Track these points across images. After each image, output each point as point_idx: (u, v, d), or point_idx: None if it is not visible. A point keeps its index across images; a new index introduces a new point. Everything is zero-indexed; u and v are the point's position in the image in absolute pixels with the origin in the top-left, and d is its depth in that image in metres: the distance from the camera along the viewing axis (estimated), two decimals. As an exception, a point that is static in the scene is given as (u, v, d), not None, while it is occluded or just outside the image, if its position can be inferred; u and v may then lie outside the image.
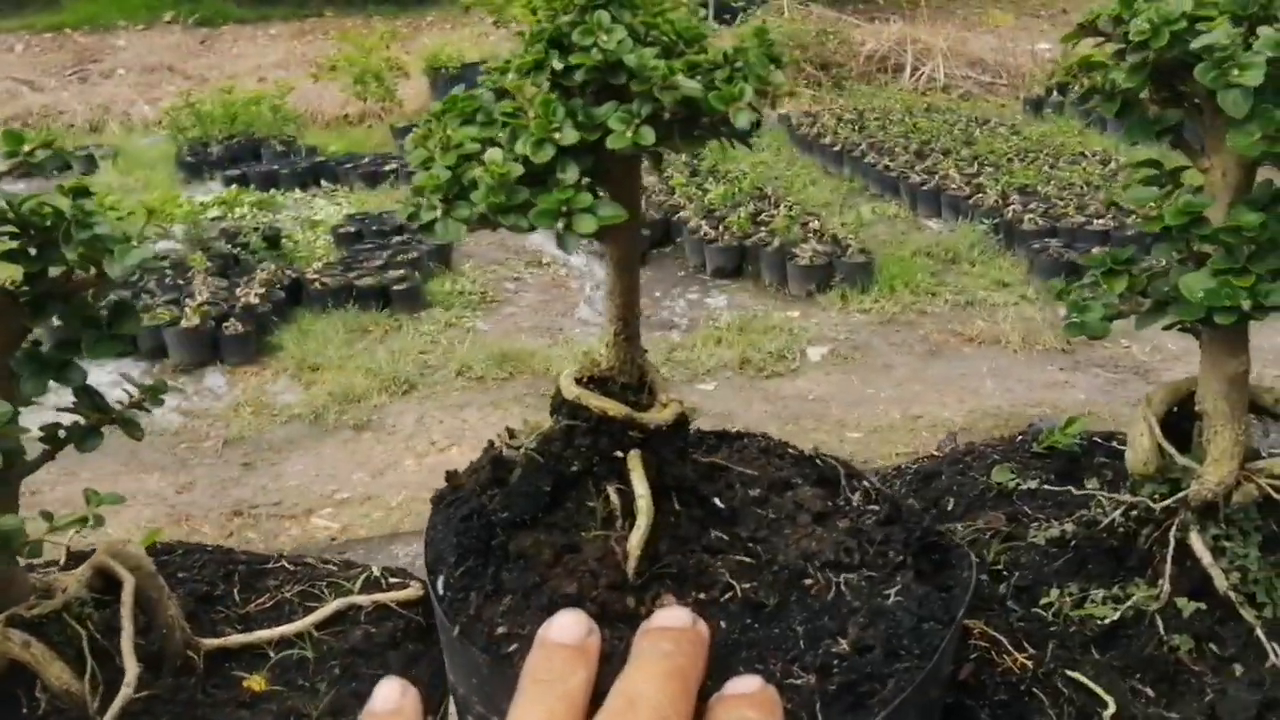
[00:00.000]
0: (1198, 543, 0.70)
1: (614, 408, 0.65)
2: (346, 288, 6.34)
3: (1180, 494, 0.71)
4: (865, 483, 0.72)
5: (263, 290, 6.18)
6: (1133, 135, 0.71)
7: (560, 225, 0.59)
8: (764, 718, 0.58)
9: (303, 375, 5.80)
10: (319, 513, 4.72)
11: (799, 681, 0.58)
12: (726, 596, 0.62)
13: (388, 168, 8.33)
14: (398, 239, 6.95)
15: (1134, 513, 0.73)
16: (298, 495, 5.01)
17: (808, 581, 0.64)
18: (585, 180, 0.61)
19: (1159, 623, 0.70)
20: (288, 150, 8.66)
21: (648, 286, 6.92)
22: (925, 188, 7.58)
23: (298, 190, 8.02)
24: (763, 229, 6.81)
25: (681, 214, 7.12)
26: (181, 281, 6.24)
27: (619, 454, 0.64)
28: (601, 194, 0.62)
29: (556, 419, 0.68)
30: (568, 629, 0.60)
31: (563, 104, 0.61)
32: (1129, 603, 0.70)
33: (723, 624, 0.61)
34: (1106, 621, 0.69)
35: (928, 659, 0.59)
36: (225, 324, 5.85)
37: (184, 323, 5.77)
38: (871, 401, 5.81)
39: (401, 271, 6.45)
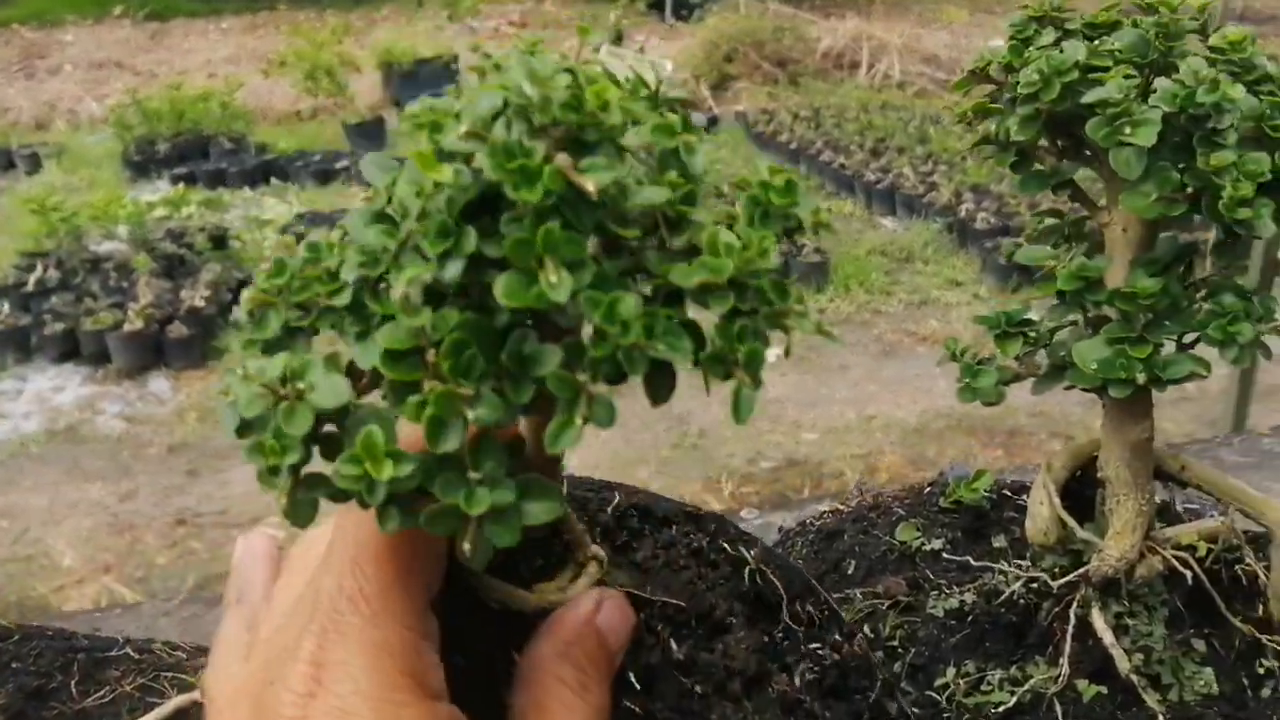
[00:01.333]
0: (1099, 621, 0.67)
1: (515, 598, 0.52)
2: (295, 289, 6.23)
3: (1081, 569, 0.67)
4: (810, 608, 0.61)
5: (208, 292, 6.06)
6: (1027, 189, 0.67)
7: (467, 545, 0.39)
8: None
9: (250, 380, 5.69)
10: (265, 521, 4.63)
11: None
12: None
13: (339, 165, 8.20)
14: (348, 239, 6.84)
15: (1034, 585, 0.70)
16: (244, 503, 4.92)
17: None
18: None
19: (1057, 707, 0.66)
20: (237, 148, 8.50)
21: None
22: (880, 186, 7.58)
23: (247, 189, 7.88)
24: (718, 229, 6.77)
25: (636, 213, 7.06)
26: (125, 284, 6.09)
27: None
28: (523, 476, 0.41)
29: None
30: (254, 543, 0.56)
31: (477, 340, 0.39)
32: (1026, 685, 0.66)
33: None
34: (1002, 709, 0.66)
35: None
36: (169, 327, 5.72)
37: (127, 326, 5.64)
38: (827, 402, 5.81)
39: (352, 273, 6.34)
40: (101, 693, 0.72)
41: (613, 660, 0.52)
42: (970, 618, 0.72)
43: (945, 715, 0.67)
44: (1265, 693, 0.67)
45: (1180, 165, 0.58)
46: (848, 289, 6.64)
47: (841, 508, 0.89)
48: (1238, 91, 0.56)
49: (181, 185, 7.63)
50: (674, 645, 0.57)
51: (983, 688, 0.67)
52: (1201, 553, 0.69)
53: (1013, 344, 0.66)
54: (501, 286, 0.38)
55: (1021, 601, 0.71)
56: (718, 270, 0.40)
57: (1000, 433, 5.47)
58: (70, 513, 4.71)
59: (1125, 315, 0.61)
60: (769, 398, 5.76)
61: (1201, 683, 0.66)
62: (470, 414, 0.38)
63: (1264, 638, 0.68)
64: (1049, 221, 0.72)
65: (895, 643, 0.72)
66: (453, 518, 0.39)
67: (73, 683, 0.73)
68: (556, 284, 0.38)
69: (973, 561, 0.73)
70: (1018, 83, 0.62)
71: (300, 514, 0.42)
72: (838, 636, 0.61)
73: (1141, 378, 0.60)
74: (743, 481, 4.82)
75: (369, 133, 8.82)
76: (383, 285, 0.42)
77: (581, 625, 0.51)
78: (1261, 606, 0.69)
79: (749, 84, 10.33)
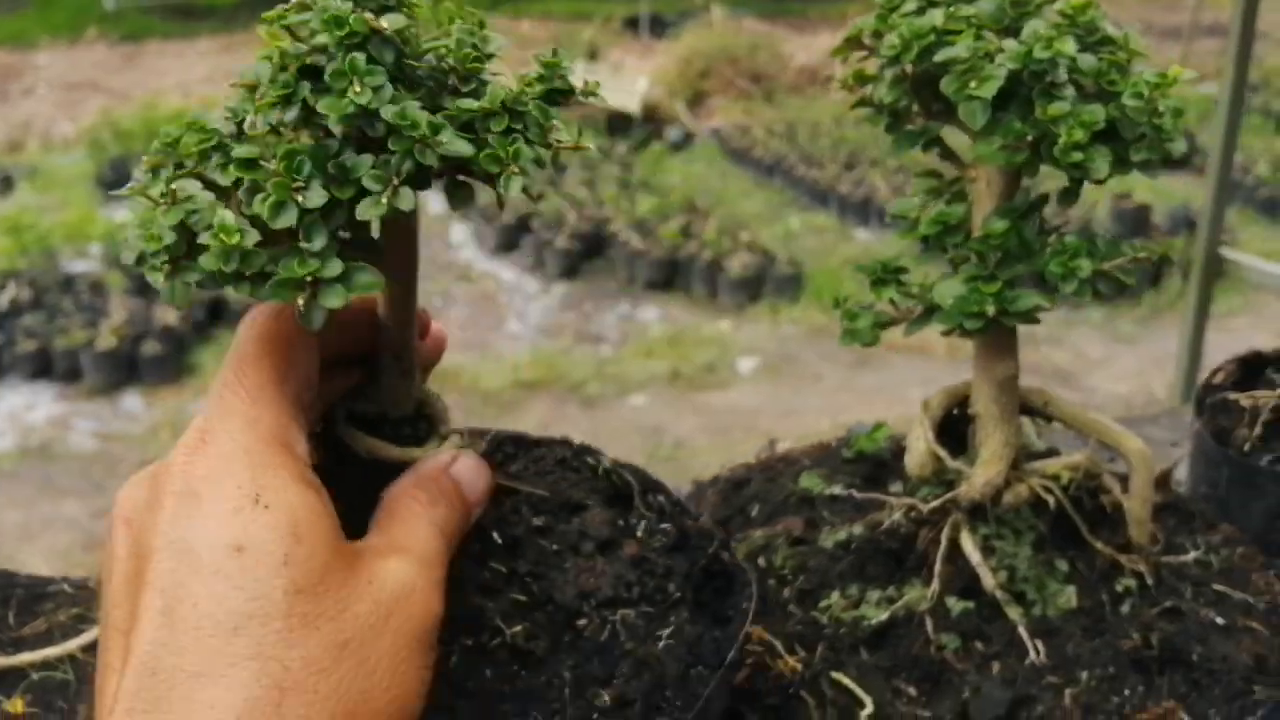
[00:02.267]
0: (968, 542, 0.72)
1: (381, 448, 0.61)
2: (270, 305, 6.24)
3: (950, 494, 0.72)
4: (660, 498, 0.70)
5: (182, 310, 6.08)
6: (899, 148, 0.73)
7: (300, 302, 0.50)
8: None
9: (224, 395, 5.71)
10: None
11: None
12: (495, 643, 0.59)
13: (315, 183, 8.24)
14: (323, 255, 6.85)
15: (912, 514, 0.75)
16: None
17: (582, 622, 0.61)
18: (338, 238, 0.52)
19: (928, 622, 0.71)
20: (212, 167, 8.52)
21: (577, 300, 6.92)
22: (854, 198, 7.66)
23: (222, 207, 7.89)
24: (694, 241, 6.84)
25: (612, 226, 7.13)
26: (98, 302, 6.10)
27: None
28: (357, 256, 0.52)
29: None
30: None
31: (310, 156, 0.51)
32: (900, 603, 0.71)
33: (488, 673, 0.58)
34: (873, 622, 0.70)
35: (689, 710, 0.58)
36: (142, 344, 5.73)
37: (99, 344, 5.65)
38: (801, 412, 5.86)
39: (326, 288, 6.36)
40: (37, 622, 0.76)
41: (467, 506, 0.59)
42: (855, 547, 0.76)
43: (825, 630, 0.72)
44: (1124, 609, 0.72)
45: (1025, 117, 0.64)
46: (821, 300, 6.72)
47: (752, 462, 0.93)
48: (1069, 47, 0.61)
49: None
50: (534, 520, 0.66)
51: (861, 607, 0.72)
52: (1064, 481, 0.74)
53: (887, 289, 0.71)
54: (323, 103, 0.51)
55: (902, 530, 0.75)
56: (493, 99, 0.54)
57: (970, 439, 5.54)
58: (44, 529, 4.71)
59: (980, 256, 0.67)
60: (744, 407, 5.81)
61: (1063, 599, 0.71)
62: (301, 198, 0.50)
63: (1123, 558, 0.73)
64: (930, 181, 0.77)
65: (786, 571, 0.76)
66: (290, 286, 0.51)
67: (11, 614, 0.77)
68: (360, 93, 0.51)
69: (855, 495, 0.78)
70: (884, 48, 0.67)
71: (178, 295, 0.53)
72: (687, 520, 0.68)
73: (991, 310, 0.65)
74: (714, 488, 4.86)
75: (345, 151, 8.84)
76: (244, 129, 0.55)
77: (438, 469, 0.59)
78: (1122, 532, 0.75)
79: (724, 100, 10.43)
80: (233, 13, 13.57)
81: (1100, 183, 0.65)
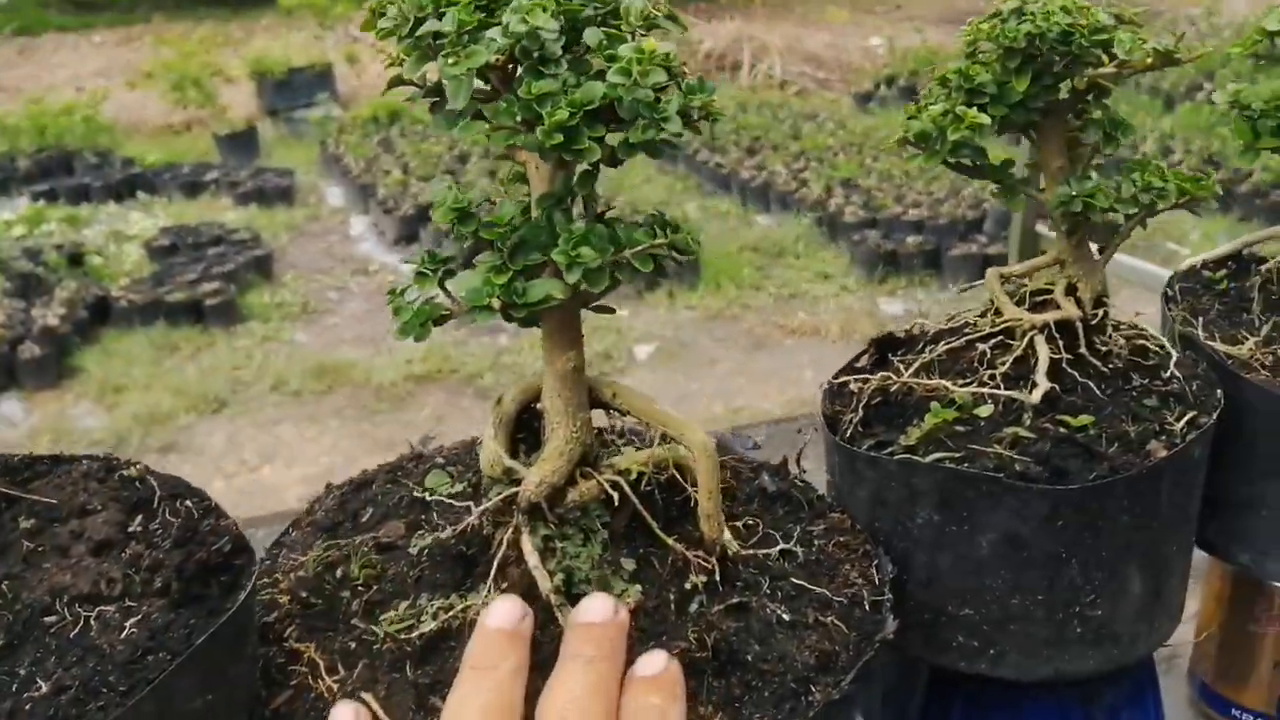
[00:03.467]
0: (526, 544, 0.69)
1: None
2: (156, 304, 6.09)
3: (507, 493, 0.69)
4: (189, 503, 0.68)
5: (64, 310, 5.89)
6: (437, 129, 0.69)
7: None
8: (667, 701, 0.62)
9: (106, 398, 5.55)
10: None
11: None
12: None
13: (208, 177, 8.04)
14: (214, 250, 6.70)
15: (485, 511, 0.71)
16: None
17: (50, 619, 0.60)
18: None
19: (479, 632, 0.67)
20: (102, 162, 8.29)
21: (477, 291, 6.85)
22: (755, 184, 7.68)
23: (111, 203, 7.68)
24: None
25: (508, 216, 7.04)
26: (-28, 305, 5.89)
27: None
28: None
29: None
30: (503, 615, 0.64)
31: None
32: (452, 612, 0.68)
33: None
34: (424, 634, 0.67)
35: (134, 695, 0.57)
36: (21, 347, 5.55)
37: (-27, 348, 5.46)
38: (696, 397, 5.87)
39: (215, 285, 6.22)
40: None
41: None
42: (434, 553, 0.73)
43: (374, 647, 0.68)
44: (691, 608, 0.70)
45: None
46: (718, 285, 6.72)
47: (387, 461, 0.90)
48: (542, 19, 0.58)
49: (41, 202, 7.41)
50: (25, 524, 0.66)
51: (422, 618, 0.69)
52: (633, 476, 0.71)
53: (428, 282, 0.67)
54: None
55: (484, 533, 0.72)
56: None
57: (866, 420, 5.59)
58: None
59: (493, 245, 0.63)
60: (641, 395, 5.81)
61: (627, 600, 0.69)
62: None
63: (692, 555, 0.71)
64: (516, 169, 0.74)
65: (359, 582, 0.73)
66: None
67: None
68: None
69: (472, 504, 0.74)
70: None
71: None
72: (209, 521, 0.67)
73: (496, 303, 0.62)
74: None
75: (241, 143, 8.66)
76: None
77: None
78: (695, 529, 0.72)
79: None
80: (131, 3, 13.21)
81: (610, 165, 0.62)
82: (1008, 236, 4.89)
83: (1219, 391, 0.83)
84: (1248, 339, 0.90)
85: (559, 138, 0.58)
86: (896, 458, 0.77)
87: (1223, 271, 0.98)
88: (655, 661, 0.64)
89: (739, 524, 0.77)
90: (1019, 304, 0.84)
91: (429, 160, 7.94)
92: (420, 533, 0.75)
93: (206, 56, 8.85)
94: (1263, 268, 0.98)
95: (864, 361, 0.91)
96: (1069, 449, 0.76)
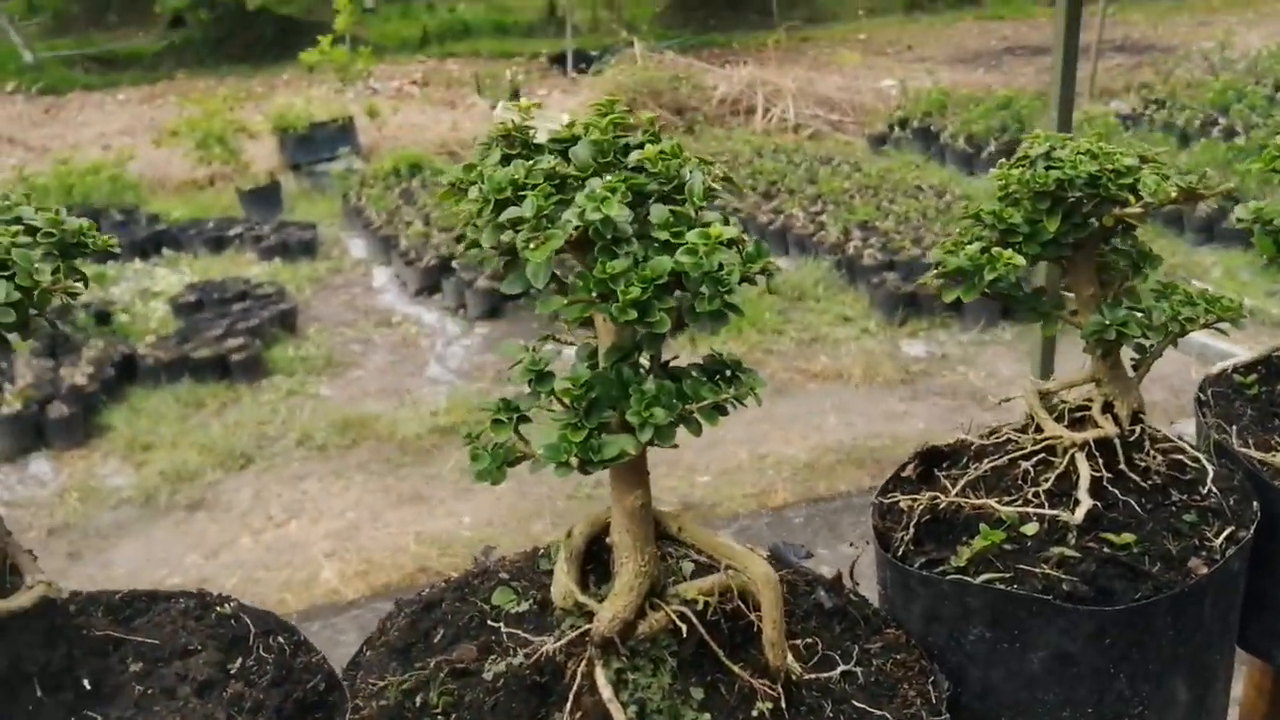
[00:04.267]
0: (600, 677, 0.72)
1: None
2: (182, 360, 6.17)
3: (581, 630, 0.73)
4: (280, 639, 0.72)
5: (91, 369, 5.98)
6: (511, 288, 0.74)
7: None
8: None
9: (134, 456, 5.62)
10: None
11: None
12: None
13: (233, 232, 8.17)
14: (239, 306, 6.79)
15: (559, 645, 0.75)
16: (126, 584, 4.78)
17: None
18: None
19: (558, 764, 0.71)
20: (127, 219, 8.43)
21: (499, 340, 6.91)
22: (772, 227, 7.74)
23: (137, 260, 7.80)
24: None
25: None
26: (4, 364, 5.99)
27: None
28: None
29: None
30: None
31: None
32: (526, 745, 0.71)
33: None
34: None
35: None
36: (50, 407, 5.63)
37: (5, 408, 5.54)
38: (721, 444, 5.87)
39: (240, 340, 6.30)
40: None
41: None
42: (509, 681, 0.77)
43: (456, 778, 0.72)
44: (758, 734, 0.73)
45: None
46: (740, 330, 6.76)
47: (452, 576, 0.93)
48: (615, 209, 0.62)
49: (69, 261, 7.52)
50: (134, 667, 0.69)
51: (497, 749, 0.72)
52: (700, 606, 0.75)
53: (504, 430, 0.71)
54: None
55: (558, 661, 0.76)
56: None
57: (890, 464, 5.59)
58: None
59: (569, 403, 0.68)
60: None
61: (697, 728, 0.72)
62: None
63: (757, 683, 0.74)
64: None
65: (439, 711, 0.76)
66: None
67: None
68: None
69: (545, 636, 0.78)
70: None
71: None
72: (300, 658, 0.70)
73: (575, 461, 0.66)
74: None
75: (264, 198, 8.81)
76: None
77: None
78: (760, 654, 0.75)
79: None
80: (155, 61, 13.46)
81: (670, 336, 0.66)
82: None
83: (1255, 504, 0.86)
84: (1280, 444, 0.93)
85: (633, 313, 0.62)
86: (949, 578, 0.81)
87: (1253, 376, 1.01)
88: None
89: (799, 643, 0.80)
90: (1058, 419, 0.88)
91: (450, 212, 8.05)
92: (493, 657, 0.79)
93: (230, 113, 9.00)
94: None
95: (909, 472, 0.94)
96: (1113, 569, 0.79)
